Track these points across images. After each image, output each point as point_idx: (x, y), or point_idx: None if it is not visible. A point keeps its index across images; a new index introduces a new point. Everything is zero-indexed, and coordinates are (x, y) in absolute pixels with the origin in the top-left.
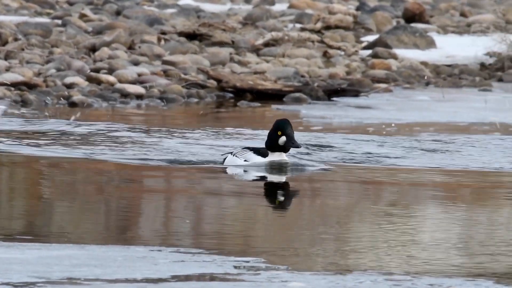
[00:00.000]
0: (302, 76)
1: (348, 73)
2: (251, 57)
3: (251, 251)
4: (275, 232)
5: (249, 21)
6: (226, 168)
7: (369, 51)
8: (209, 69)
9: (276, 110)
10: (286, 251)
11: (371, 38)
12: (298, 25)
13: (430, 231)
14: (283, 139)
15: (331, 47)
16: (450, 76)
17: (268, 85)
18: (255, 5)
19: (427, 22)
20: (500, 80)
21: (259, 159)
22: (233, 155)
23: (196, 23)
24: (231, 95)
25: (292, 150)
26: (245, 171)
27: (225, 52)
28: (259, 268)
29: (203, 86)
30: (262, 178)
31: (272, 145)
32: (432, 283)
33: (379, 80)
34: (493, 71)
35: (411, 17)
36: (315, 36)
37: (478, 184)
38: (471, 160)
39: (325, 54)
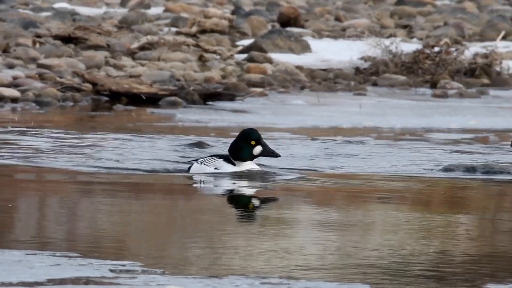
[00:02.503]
0: (178, 80)
1: (223, 77)
2: (126, 61)
3: (128, 254)
4: (152, 236)
5: (125, 24)
6: (193, 176)
7: (244, 55)
8: (84, 72)
9: (152, 114)
10: (162, 254)
11: (246, 42)
12: (173, 29)
13: (306, 236)
14: (258, 148)
15: (206, 51)
16: (325, 80)
17: (144, 88)
18: (130, 9)
19: (302, 27)
20: (375, 84)
21: (230, 168)
22: (201, 163)
23: (72, 27)
24: (106, 98)
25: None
26: (214, 179)
27: (100, 55)
28: (135, 271)
29: (78, 90)
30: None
31: (242, 155)
32: (308, 287)
33: (255, 84)
34: (367, 76)
35: (286, 21)
36: (190, 40)
37: (354, 188)
38: (349, 164)
39: (200, 58)
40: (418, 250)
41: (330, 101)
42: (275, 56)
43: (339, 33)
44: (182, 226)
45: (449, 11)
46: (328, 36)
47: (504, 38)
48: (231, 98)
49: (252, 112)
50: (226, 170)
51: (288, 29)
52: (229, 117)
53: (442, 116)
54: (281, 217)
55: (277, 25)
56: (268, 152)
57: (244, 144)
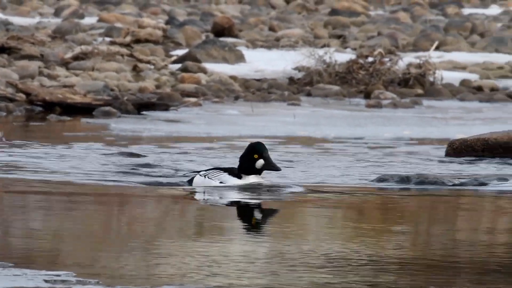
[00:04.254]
0: (112, 90)
1: (157, 87)
2: (60, 71)
3: (63, 265)
4: (87, 246)
5: (58, 34)
6: (196, 189)
7: (178, 65)
8: (18, 82)
9: (86, 124)
10: (98, 265)
11: (180, 52)
12: (107, 39)
13: (240, 245)
14: (261, 162)
15: (140, 61)
16: (259, 90)
17: (78, 98)
18: (64, 19)
19: (236, 37)
20: (309, 94)
21: (235, 181)
22: (204, 176)
23: (5, 36)
24: (40, 108)
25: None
26: (220, 192)
27: (34, 65)
28: (70, 282)
29: (11, 100)
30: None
31: (247, 168)
32: None
33: (189, 94)
34: (301, 86)
35: (220, 31)
36: (124, 50)
37: (287, 198)
38: (282, 174)
39: (134, 68)
40: (352, 258)
41: (264, 111)
42: (209, 66)
43: (273, 43)
44: (119, 236)
45: (382, 21)
46: (262, 46)
47: (437, 48)
48: (165, 108)
49: (186, 122)
50: (231, 183)
51: (222, 39)
52: (163, 127)
53: (376, 126)
54: (221, 226)
55: (211, 35)
56: (269, 166)
57: (248, 157)
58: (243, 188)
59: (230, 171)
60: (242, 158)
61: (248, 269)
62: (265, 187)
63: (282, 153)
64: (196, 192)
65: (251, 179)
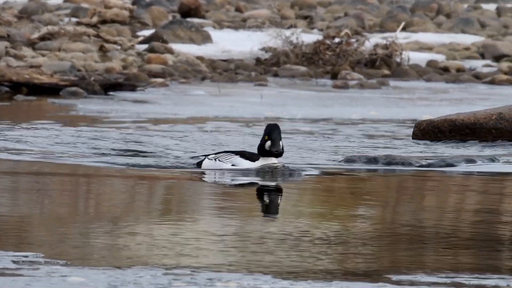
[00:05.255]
0: (79, 70)
1: (124, 67)
2: (27, 51)
3: (31, 246)
4: (55, 227)
5: (25, 14)
6: (205, 172)
7: (145, 46)
8: None
9: (52, 104)
10: (66, 245)
11: (147, 32)
12: (74, 19)
13: (207, 227)
14: (268, 143)
15: (107, 41)
16: (226, 71)
17: (45, 79)
18: None
19: (203, 17)
20: (276, 75)
21: (248, 164)
22: (215, 159)
23: None
24: (7, 89)
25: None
26: (233, 174)
27: (0, 45)
28: (38, 263)
29: None
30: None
31: (260, 150)
32: (212, 277)
33: (156, 75)
34: (268, 66)
35: (187, 11)
36: (91, 31)
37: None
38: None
39: (101, 48)
40: (320, 238)
41: (231, 92)
42: (176, 46)
43: (240, 24)
44: (87, 217)
45: (349, 2)
46: (229, 27)
47: (404, 29)
48: (132, 88)
49: (153, 103)
50: (243, 166)
51: (189, 19)
52: (130, 107)
53: (343, 106)
54: (188, 207)
55: (178, 16)
56: (271, 148)
57: (263, 139)
58: (253, 171)
59: (242, 153)
60: (261, 140)
61: (213, 251)
62: (274, 169)
63: (249, 134)
64: (205, 174)
65: (265, 160)
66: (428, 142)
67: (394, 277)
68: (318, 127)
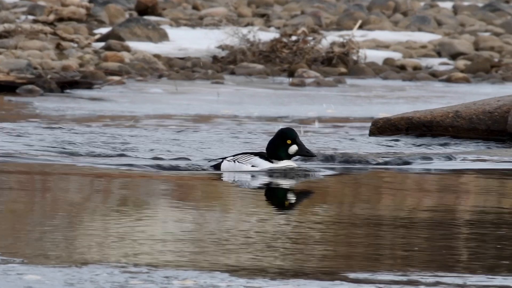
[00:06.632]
0: (35, 68)
1: (81, 65)
2: None
3: None
4: (11, 225)
5: None
6: (225, 174)
7: (102, 44)
8: None
9: (9, 102)
10: (21, 244)
11: (104, 30)
12: (30, 17)
13: (163, 225)
14: (294, 148)
15: (64, 39)
16: (183, 69)
17: (1, 76)
18: None
19: (159, 15)
20: (233, 73)
21: (268, 165)
22: (234, 161)
23: None
24: None
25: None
26: (252, 176)
27: None
28: None
29: None
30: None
31: (279, 154)
32: (168, 275)
33: (112, 73)
34: (225, 64)
35: (144, 9)
36: (48, 28)
37: (206, 179)
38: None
39: (58, 46)
40: (278, 237)
41: (188, 90)
42: (132, 44)
43: (197, 22)
44: (43, 214)
45: (306, 0)
46: (186, 25)
47: (360, 27)
48: (89, 86)
49: (110, 100)
50: (264, 167)
51: (146, 17)
52: (87, 105)
53: (300, 104)
54: (146, 204)
55: (135, 14)
56: (303, 152)
57: (280, 143)
58: (273, 171)
59: (261, 155)
60: (273, 143)
61: (170, 248)
62: (297, 170)
63: (207, 132)
64: (223, 176)
65: (284, 163)
66: (385, 140)
67: (351, 275)
68: (273, 125)
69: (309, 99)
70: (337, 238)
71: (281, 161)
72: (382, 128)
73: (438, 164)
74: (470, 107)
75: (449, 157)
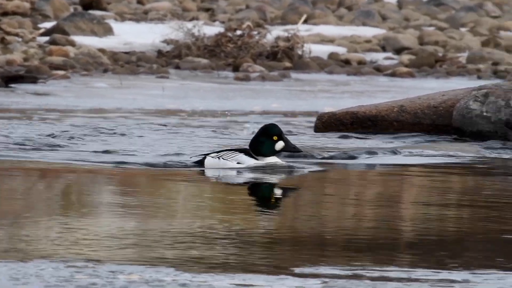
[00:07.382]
0: None
1: (25, 59)
2: None
3: None
4: None
5: None
6: (207, 170)
7: (46, 38)
8: None
9: None
10: None
11: (48, 24)
12: None
13: (108, 220)
14: (281, 144)
15: (8, 33)
16: (128, 63)
17: None
18: None
19: (104, 9)
20: (177, 67)
21: (254, 161)
22: (218, 157)
23: None
24: None
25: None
26: (239, 172)
27: None
28: None
29: None
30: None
31: (264, 150)
32: (113, 270)
33: (57, 67)
34: (170, 59)
35: (89, 4)
36: None
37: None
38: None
39: (2, 40)
40: (223, 233)
41: (133, 84)
42: (77, 39)
43: (142, 16)
44: None
45: None
46: (130, 19)
47: (305, 21)
48: (34, 81)
49: (55, 95)
50: (249, 164)
51: (91, 11)
52: (32, 99)
53: (245, 99)
54: (91, 200)
55: (80, 8)
56: (290, 148)
57: (266, 139)
58: (260, 169)
59: (246, 151)
60: (257, 139)
61: (116, 243)
62: (283, 167)
63: (154, 126)
64: (205, 172)
65: (269, 160)
66: (330, 134)
67: (297, 270)
68: (219, 119)
69: (254, 94)
70: (283, 234)
71: (266, 158)
72: (327, 122)
73: (383, 158)
74: (415, 102)
75: (394, 151)
